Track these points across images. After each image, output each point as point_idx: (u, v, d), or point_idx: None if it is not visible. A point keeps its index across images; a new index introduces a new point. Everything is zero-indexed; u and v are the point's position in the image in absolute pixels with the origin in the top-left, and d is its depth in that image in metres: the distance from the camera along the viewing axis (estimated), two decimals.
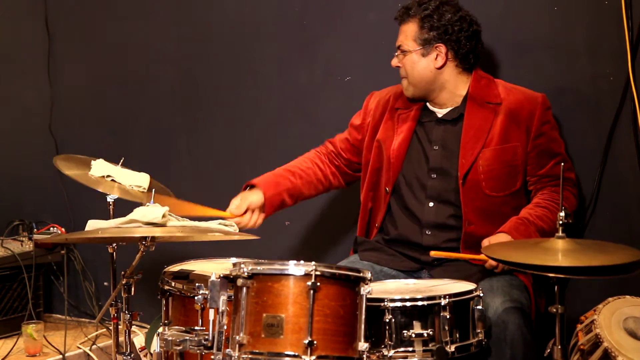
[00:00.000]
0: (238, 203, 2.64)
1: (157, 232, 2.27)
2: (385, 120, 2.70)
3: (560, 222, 1.98)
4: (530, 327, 2.28)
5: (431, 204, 2.56)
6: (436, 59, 2.56)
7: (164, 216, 2.32)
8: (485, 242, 2.40)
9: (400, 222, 2.61)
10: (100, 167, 2.61)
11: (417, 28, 2.55)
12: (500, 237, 2.40)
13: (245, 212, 2.63)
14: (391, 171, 2.63)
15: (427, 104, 2.65)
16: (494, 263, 2.37)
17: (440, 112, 2.62)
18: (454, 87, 2.59)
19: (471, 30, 2.57)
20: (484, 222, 2.50)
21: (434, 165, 2.57)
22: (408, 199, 2.60)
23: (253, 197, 2.66)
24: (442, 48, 2.55)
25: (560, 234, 1.98)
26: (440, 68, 2.56)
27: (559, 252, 1.93)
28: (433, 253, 2.42)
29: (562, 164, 2.14)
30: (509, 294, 2.29)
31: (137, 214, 2.33)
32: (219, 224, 2.42)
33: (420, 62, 2.57)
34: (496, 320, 2.23)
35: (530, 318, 2.34)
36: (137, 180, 2.61)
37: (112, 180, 2.59)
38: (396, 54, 2.62)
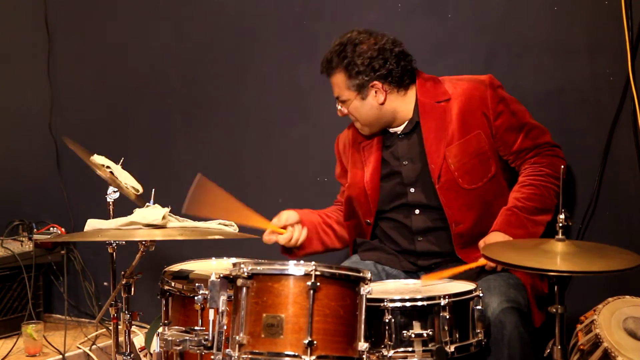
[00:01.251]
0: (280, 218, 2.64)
1: (157, 235, 2.27)
2: (352, 157, 2.71)
3: (560, 224, 1.97)
4: (527, 326, 2.28)
5: (417, 211, 2.56)
6: (376, 95, 2.54)
7: (164, 217, 2.32)
8: (481, 245, 2.40)
9: (392, 232, 2.62)
10: (102, 159, 2.63)
11: (345, 78, 2.55)
12: (494, 237, 2.40)
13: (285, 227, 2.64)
14: (370, 203, 2.62)
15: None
16: (492, 264, 2.37)
17: (399, 129, 2.60)
18: (404, 105, 2.58)
19: (394, 54, 2.53)
20: (472, 217, 2.49)
21: (409, 180, 2.57)
22: (395, 215, 2.61)
23: (290, 213, 2.66)
24: (378, 84, 2.53)
25: (560, 236, 1.97)
26: (383, 103, 2.55)
27: (558, 256, 1.92)
28: (424, 280, 2.41)
29: (562, 166, 2.12)
30: (507, 294, 2.29)
31: (138, 215, 2.33)
32: (219, 224, 2.42)
33: (363, 105, 2.56)
34: (494, 320, 2.22)
35: (528, 317, 2.34)
36: (134, 182, 2.61)
37: (111, 172, 2.60)
38: (337, 105, 2.62)
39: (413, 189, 2.56)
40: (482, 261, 2.34)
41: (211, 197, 2.45)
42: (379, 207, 2.62)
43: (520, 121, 2.52)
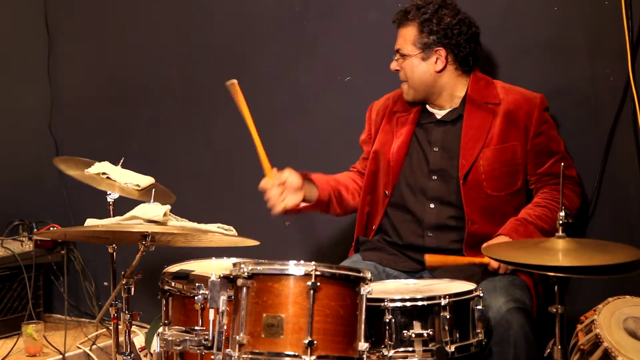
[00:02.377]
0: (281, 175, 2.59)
1: (156, 229, 2.27)
2: (383, 125, 2.70)
3: (561, 221, 1.98)
4: (533, 326, 2.28)
5: (432, 206, 2.56)
6: (436, 62, 2.55)
7: (165, 214, 2.32)
8: (484, 246, 2.40)
9: (401, 225, 2.61)
10: (98, 167, 2.63)
11: (416, 32, 2.55)
12: (500, 240, 2.40)
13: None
14: (391, 175, 2.62)
15: (427, 105, 2.65)
16: (495, 265, 2.37)
17: (440, 114, 2.62)
18: (453, 89, 2.59)
19: (470, 32, 2.57)
20: (487, 222, 2.50)
21: (435, 167, 2.57)
22: (409, 201, 2.60)
23: (292, 177, 2.62)
24: (442, 52, 2.55)
25: (560, 233, 1.98)
26: (440, 72, 2.56)
27: (560, 252, 1.93)
28: (428, 259, 2.41)
29: (562, 162, 2.14)
30: (512, 294, 2.29)
31: (139, 210, 2.33)
32: (218, 227, 2.42)
33: (420, 66, 2.57)
34: (499, 320, 2.22)
35: (533, 318, 2.34)
36: (132, 179, 2.61)
37: (108, 177, 2.60)
38: (395, 57, 2.62)
39: (435, 177, 2.56)
40: (487, 259, 2.36)
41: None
42: (400, 182, 2.61)
43: (555, 148, 2.57)
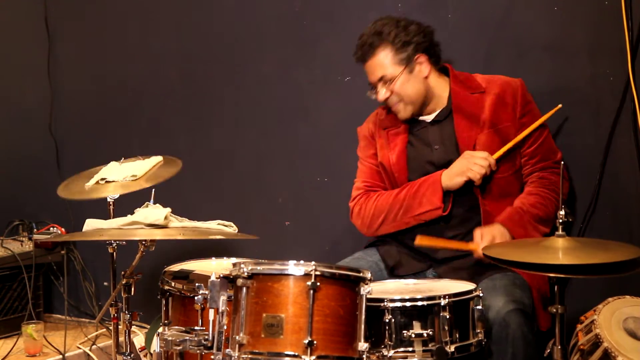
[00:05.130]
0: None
1: (158, 233, 2.27)
2: (378, 141, 2.72)
3: (561, 220, 1.98)
4: (531, 326, 2.29)
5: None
6: (421, 68, 2.58)
7: (165, 218, 2.32)
8: (477, 234, 2.44)
9: (417, 229, 2.60)
10: (96, 176, 2.62)
11: (391, 53, 2.56)
12: (495, 228, 2.45)
13: None
14: (399, 182, 2.64)
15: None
16: (480, 255, 2.37)
17: (430, 117, 2.65)
18: (440, 90, 2.63)
19: (429, 31, 2.62)
20: (496, 202, 2.54)
21: (440, 163, 2.59)
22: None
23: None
24: (422, 57, 2.58)
25: (560, 232, 1.99)
26: (427, 77, 2.60)
27: (560, 250, 1.93)
28: (419, 239, 2.44)
29: (562, 162, 2.15)
30: (512, 294, 2.30)
31: (139, 215, 2.33)
32: (219, 224, 2.42)
33: (410, 80, 2.58)
34: (498, 319, 2.23)
35: (532, 318, 2.34)
36: (129, 171, 2.60)
37: (107, 181, 2.59)
38: (378, 89, 2.61)
39: None
40: (474, 246, 2.41)
41: None
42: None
43: (541, 128, 2.60)
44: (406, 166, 2.64)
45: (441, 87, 2.63)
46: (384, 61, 2.57)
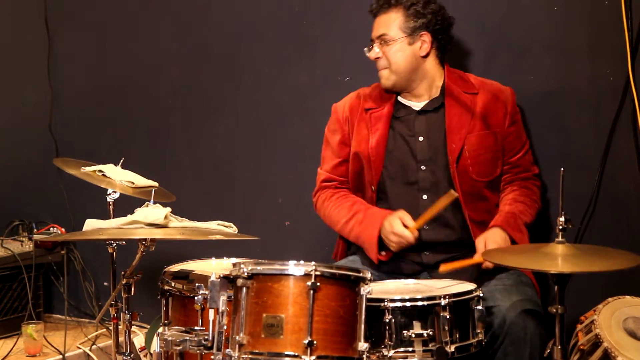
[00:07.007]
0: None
1: (157, 233, 2.27)
2: (357, 124, 2.67)
3: (560, 227, 1.98)
4: (545, 324, 2.28)
5: (425, 197, 2.56)
6: (421, 48, 2.57)
7: (165, 217, 2.32)
8: (481, 242, 2.42)
9: None
10: (95, 166, 2.64)
11: (402, 16, 2.56)
12: (497, 234, 2.44)
13: None
14: (373, 170, 2.60)
15: (400, 98, 2.65)
16: (490, 265, 2.38)
17: (418, 105, 2.62)
18: (433, 77, 2.62)
19: (449, 21, 2.62)
20: (473, 208, 2.54)
21: (423, 157, 2.57)
22: (398, 196, 2.59)
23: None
24: (427, 37, 2.57)
25: (560, 239, 1.98)
26: (424, 57, 2.58)
27: (559, 257, 1.93)
28: (442, 268, 2.41)
29: (562, 168, 2.13)
30: (525, 292, 2.31)
31: (139, 215, 2.33)
32: (218, 224, 2.42)
33: (406, 50, 2.57)
34: (514, 318, 2.23)
35: (544, 317, 2.34)
36: (128, 177, 2.61)
37: (103, 175, 2.61)
38: (373, 45, 2.61)
39: (424, 167, 2.57)
40: (479, 258, 2.38)
41: None
42: (384, 176, 2.60)
43: (524, 138, 2.66)
44: (384, 154, 2.59)
45: (435, 75, 2.61)
46: (392, 22, 2.57)
